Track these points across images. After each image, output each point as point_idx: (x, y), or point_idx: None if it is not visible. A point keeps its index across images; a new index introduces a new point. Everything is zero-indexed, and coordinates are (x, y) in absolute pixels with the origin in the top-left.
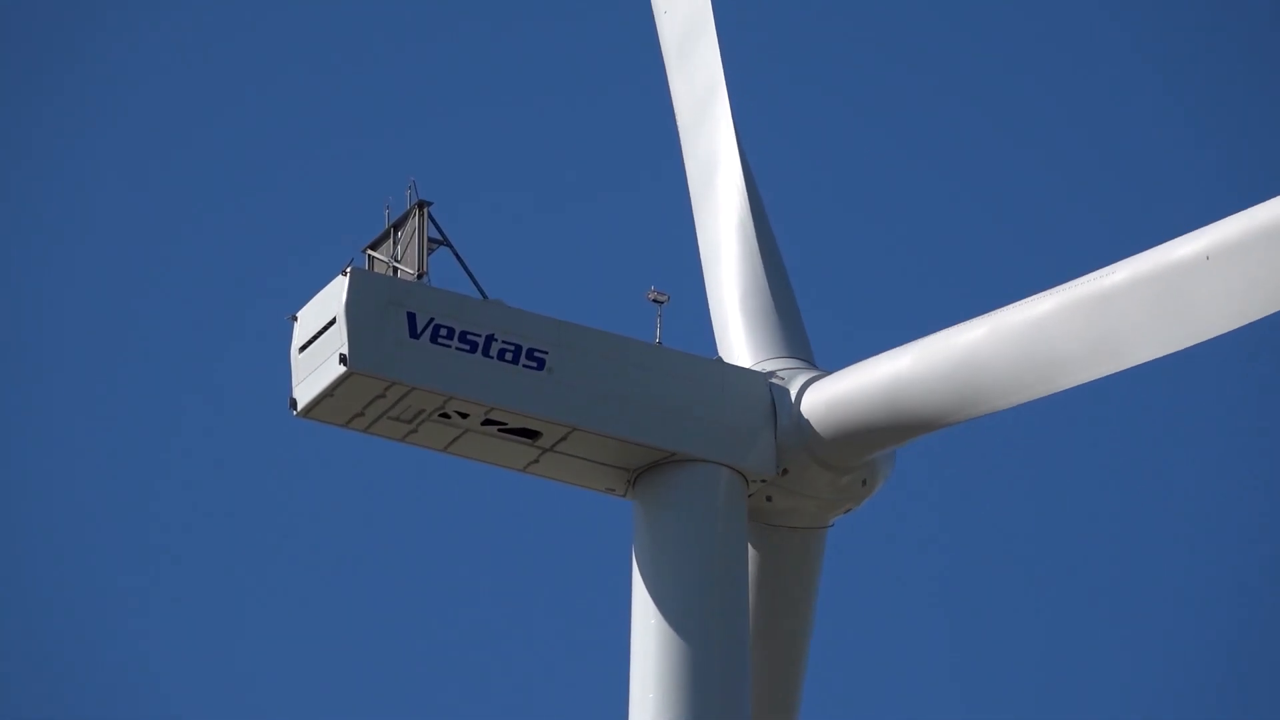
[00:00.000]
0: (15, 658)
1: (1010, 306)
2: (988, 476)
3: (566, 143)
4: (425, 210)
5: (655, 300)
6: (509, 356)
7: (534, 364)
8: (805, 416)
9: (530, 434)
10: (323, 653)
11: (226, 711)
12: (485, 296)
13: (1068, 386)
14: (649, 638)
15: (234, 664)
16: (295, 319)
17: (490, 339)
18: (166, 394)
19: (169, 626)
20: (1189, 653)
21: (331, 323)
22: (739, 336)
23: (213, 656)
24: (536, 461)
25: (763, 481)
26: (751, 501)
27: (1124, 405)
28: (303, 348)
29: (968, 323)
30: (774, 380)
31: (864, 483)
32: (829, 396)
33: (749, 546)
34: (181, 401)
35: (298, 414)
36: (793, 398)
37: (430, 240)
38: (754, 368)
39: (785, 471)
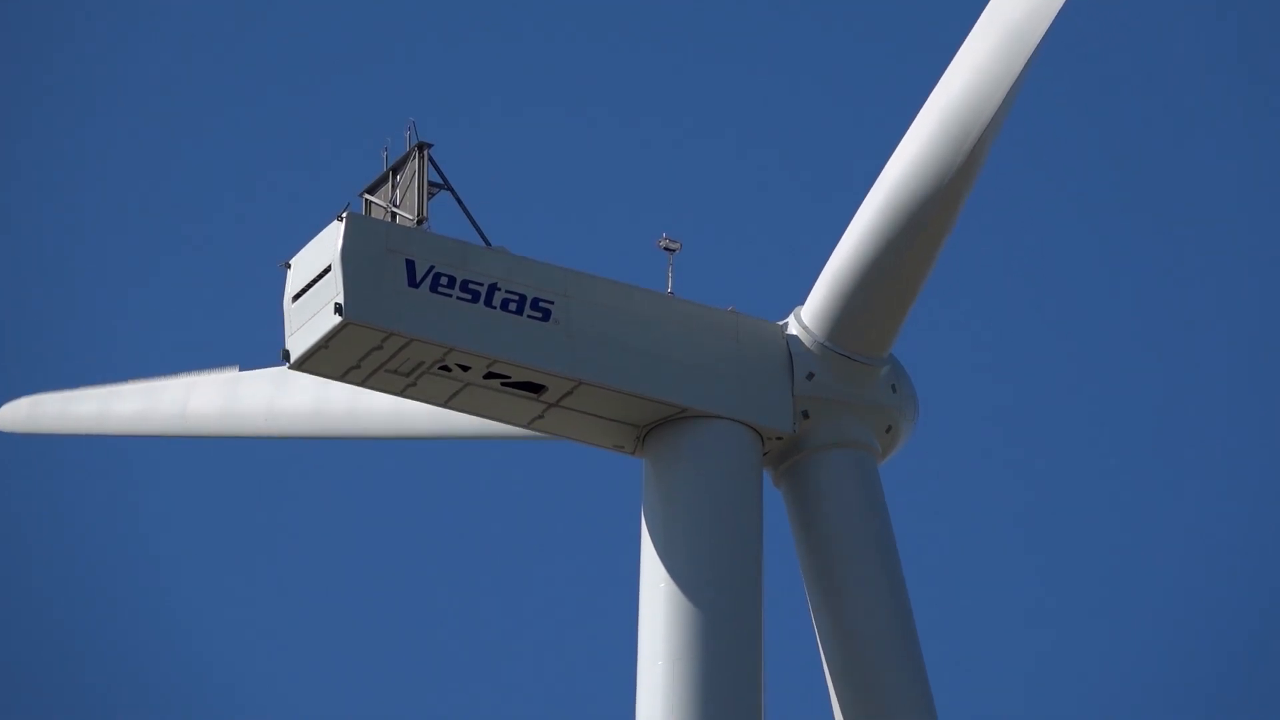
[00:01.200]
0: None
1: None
2: (985, 471)
3: (578, 82)
4: (425, 152)
5: (666, 248)
6: (513, 307)
7: (539, 314)
8: (810, 317)
9: (535, 388)
10: (332, 612)
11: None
12: (488, 243)
13: (1046, 30)
14: (658, 602)
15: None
16: (288, 266)
17: (493, 288)
18: (160, 345)
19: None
20: (1186, 650)
21: (326, 270)
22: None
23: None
24: (541, 417)
25: (778, 439)
26: (782, 445)
27: (1124, 405)
28: (296, 296)
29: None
30: (789, 332)
31: (894, 388)
32: (828, 274)
33: (802, 520)
34: (175, 357)
35: (291, 366)
36: (792, 318)
37: (430, 184)
38: (795, 324)
39: (811, 376)
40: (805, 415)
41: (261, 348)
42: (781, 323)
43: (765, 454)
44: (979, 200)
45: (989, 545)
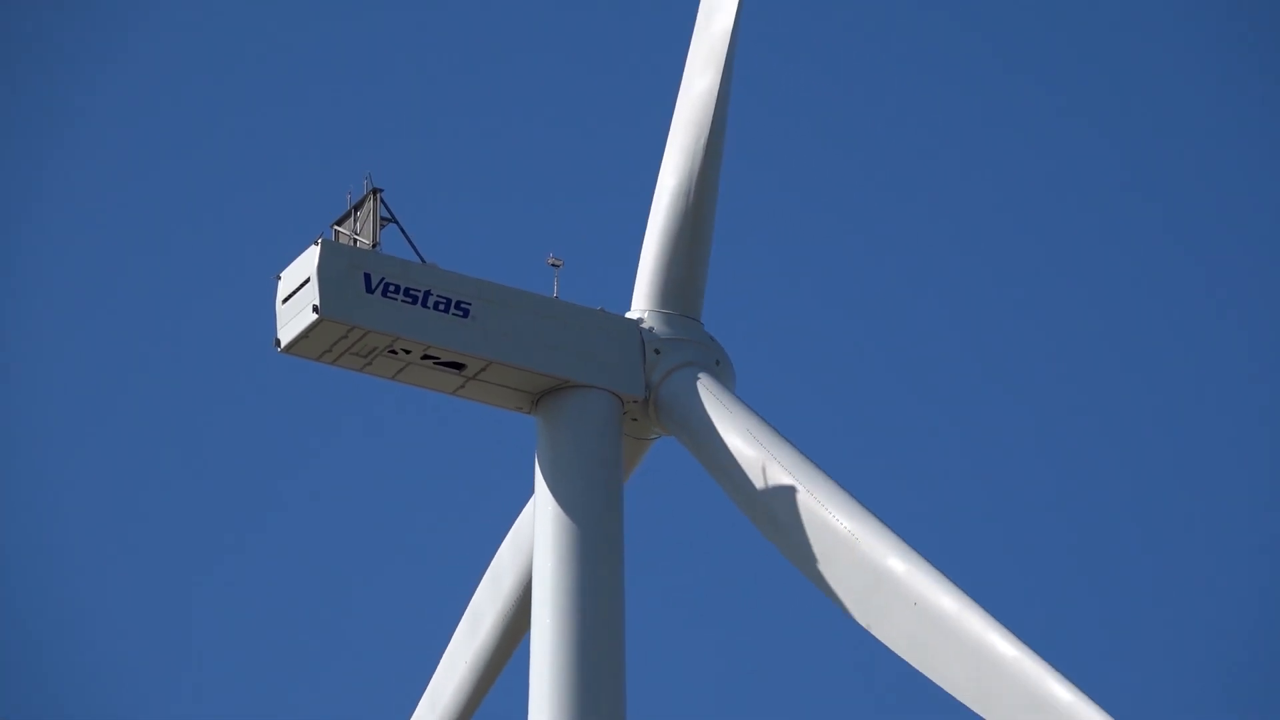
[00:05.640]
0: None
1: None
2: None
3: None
4: (378, 195)
5: (553, 264)
6: (441, 307)
7: (460, 312)
8: (641, 298)
9: (458, 366)
10: (264, 568)
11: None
12: (424, 261)
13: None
14: (546, 520)
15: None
16: (279, 278)
17: (428, 294)
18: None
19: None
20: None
21: (307, 281)
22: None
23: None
24: (463, 387)
25: (635, 402)
26: (637, 407)
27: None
28: (285, 300)
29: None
30: (643, 327)
31: (712, 338)
32: (643, 262)
33: (680, 427)
34: (176, 343)
35: (281, 350)
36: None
37: (382, 218)
38: (641, 314)
39: (656, 351)
40: (634, 420)
41: (257, 336)
42: (635, 317)
43: (625, 414)
44: (987, 200)
45: (1007, 546)
